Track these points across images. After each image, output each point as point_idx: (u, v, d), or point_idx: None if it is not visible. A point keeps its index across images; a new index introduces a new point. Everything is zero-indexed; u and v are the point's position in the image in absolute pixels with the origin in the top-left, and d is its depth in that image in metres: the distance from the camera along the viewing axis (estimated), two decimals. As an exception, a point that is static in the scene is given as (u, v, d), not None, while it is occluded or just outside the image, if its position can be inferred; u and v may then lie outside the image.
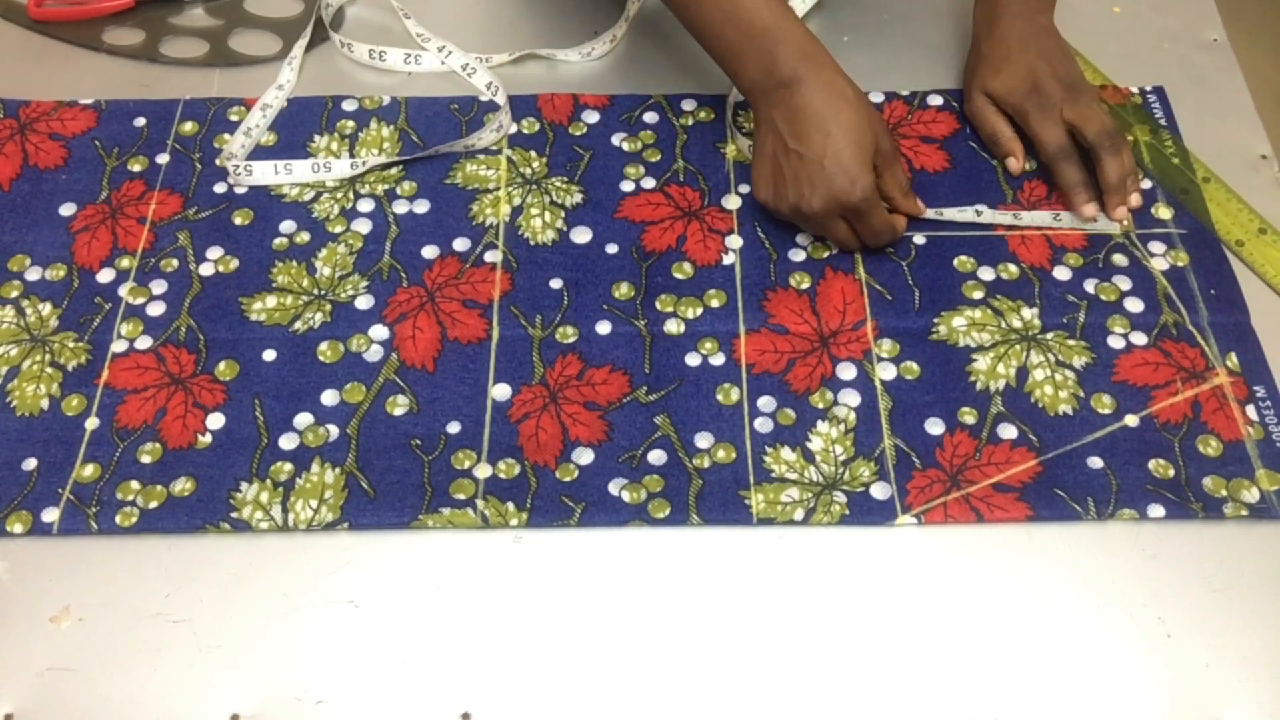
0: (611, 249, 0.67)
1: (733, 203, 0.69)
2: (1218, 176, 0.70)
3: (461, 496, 0.57)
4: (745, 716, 0.52)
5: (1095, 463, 0.58)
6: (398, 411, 0.60)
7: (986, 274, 0.66)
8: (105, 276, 0.66)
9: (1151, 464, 0.58)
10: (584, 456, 0.59)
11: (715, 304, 0.64)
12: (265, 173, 0.70)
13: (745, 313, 0.64)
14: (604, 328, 0.64)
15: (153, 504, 0.57)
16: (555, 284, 0.65)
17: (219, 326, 0.64)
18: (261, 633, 0.54)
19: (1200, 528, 0.57)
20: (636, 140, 0.72)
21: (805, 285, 0.65)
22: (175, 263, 0.66)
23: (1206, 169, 0.71)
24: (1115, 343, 0.63)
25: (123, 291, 0.65)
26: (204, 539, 0.57)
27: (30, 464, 0.59)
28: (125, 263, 0.66)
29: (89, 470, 0.58)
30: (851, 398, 0.61)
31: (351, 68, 0.77)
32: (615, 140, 0.72)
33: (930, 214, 0.68)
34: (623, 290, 0.65)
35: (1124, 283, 0.65)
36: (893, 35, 0.79)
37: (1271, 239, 0.67)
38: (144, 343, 0.63)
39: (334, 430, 0.60)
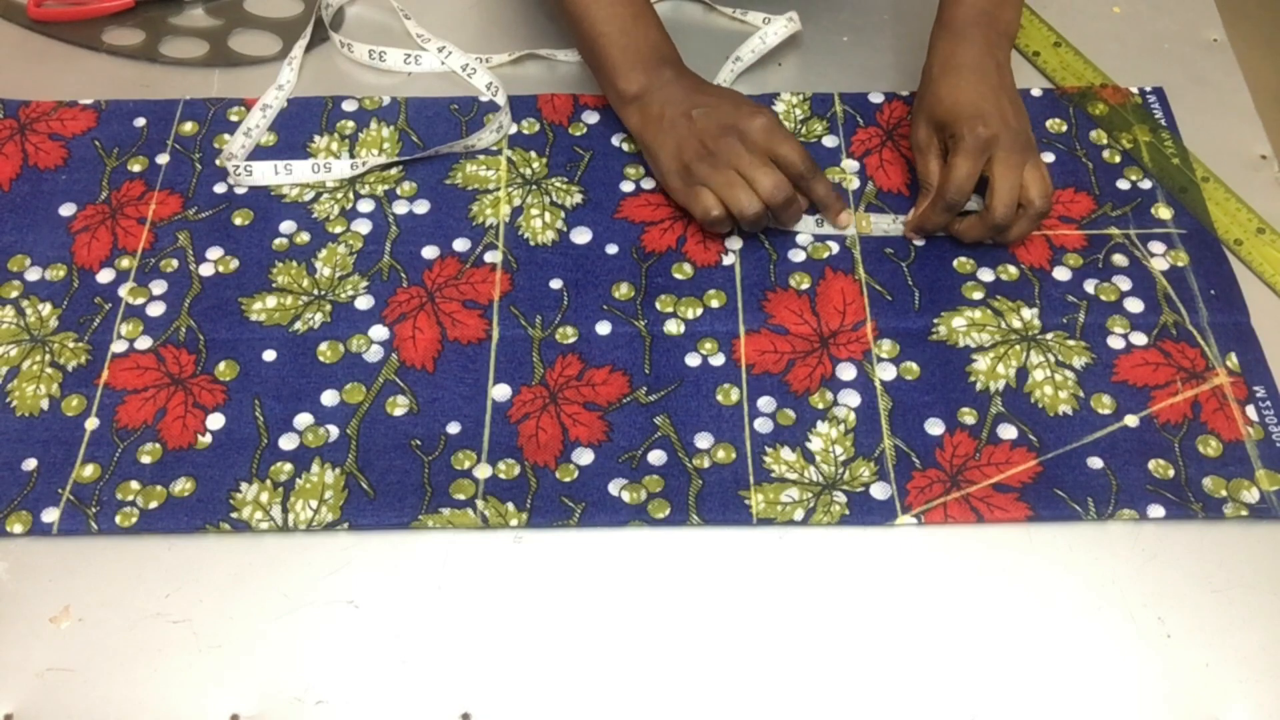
0: (611, 249, 0.67)
1: (733, 203, 0.69)
2: (1217, 176, 0.70)
3: (461, 497, 0.57)
4: (745, 716, 0.52)
5: (1095, 463, 0.58)
6: (398, 412, 0.60)
7: (986, 275, 0.66)
8: (105, 277, 0.66)
9: (1151, 464, 0.58)
10: (584, 457, 0.59)
11: (715, 304, 0.64)
12: (265, 173, 0.70)
13: (745, 313, 0.64)
14: (604, 328, 0.64)
15: (153, 504, 0.57)
16: (555, 284, 0.65)
17: (219, 327, 0.64)
18: (261, 633, 0.54)
19: (1200, 528, 0.57)
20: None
21: (805, 286, 0.65)
22: (175, 263, 0.66)
23: (1206, 169, 0.71)
24: (1115, 343, 0.63)
25: (123, 292, 0.65)
26: (204, 539, 0.57)
27: (30, 464, 0.59)
28: (125, 263, 0.66)
29: (89, 470, 0.58)
30: (851, 398, 0.61)
31: (351, 68, 0.77)
32: (615, 140, 0.72)
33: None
34: (623, 291, 0.65)
35: (1124, 283, 0.65)
36: (893, 35, 0.79)
37: (1270, 239, 0.67)
38: (144, 343, 0.63)
39: (334, 430, 0.60)
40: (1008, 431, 0.60)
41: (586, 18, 0.68)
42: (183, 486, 0.58)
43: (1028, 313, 0.64)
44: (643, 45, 0.68)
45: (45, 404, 0.61)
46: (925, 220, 0.66)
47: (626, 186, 0.70)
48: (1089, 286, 0.65)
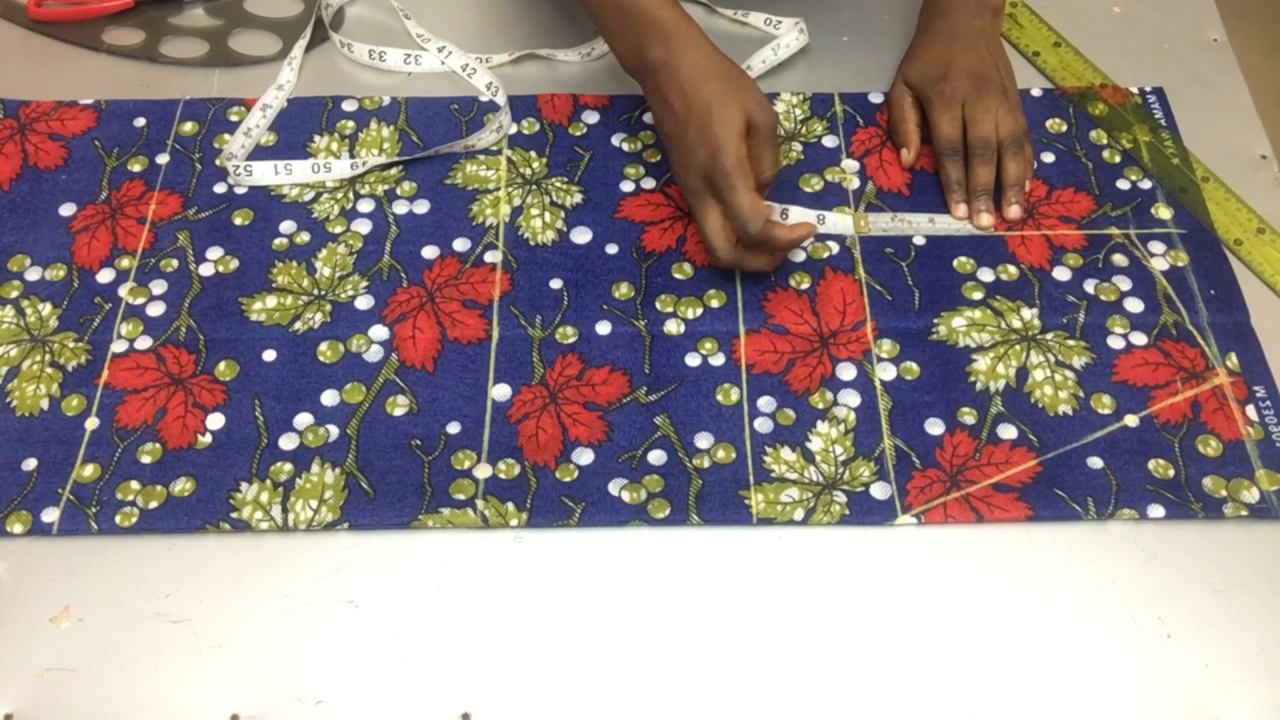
0: (611, 249, 0.67)
1: (733, 203, 0.69)
2: (1217, 176, 0.70)
3: (461, 496, 0.57)
4: (745, 716, 0.52)
5: (1095, 463, 0.58)
6: (398, 412, 0.60)
7: (986, 275, 0.66)
8: (105, 276, 0.66)
9: (1151, 464, 0.58)
10: (584, 456, 0.59)
11: (715, 304, 0.64)
12: (265, 173, 0.70)
13: (745, 313, 0.64)
14: (604, 328, 0.64)
15: (153, 504, 0.57)
16: (555, 284, 0.65)
17: (219, 326, 0.64)
18: (261, 633, 0.54)
19: (1200, 528, 0.57)
20: (636, 140, 0.72)
21: (805, 285, 0.65)
22: (175, 263, 0.66)
23: (1206, 169, 0.71)
24: (1115, 343, 0.63)
25: (123, 291, 0.65)
26: (204, 539, 0.57)
27: (30, 464, 0.59)
28: (125, 263, 0.66)
29: (89, 470, 0.58)
30: (851, 398, 0.61)
31: (351, 68, 0.77)
32: (615, 140, 0.72)
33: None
34: (623, 290, 0.65)
35: (1124, 283, 0.65)
36: (893, 35, 0.79)
37: (1270, 238, 0.67)
38: (144, 343, 0.63)
39: (334, 430, 0.60)
40: (1008, 431, 0.60)
41: None
42: (183, 486, 0.58)
43: (1028, 313, 0.64)
44: (661, 13, 0.64)
45: (45, 404, 0.61)
46: (944, 181, 0.69)
47: (626, 186, 0.70)
48: (1089, 286, 0.65)
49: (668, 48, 0.63)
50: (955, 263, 0.66)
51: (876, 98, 0.74)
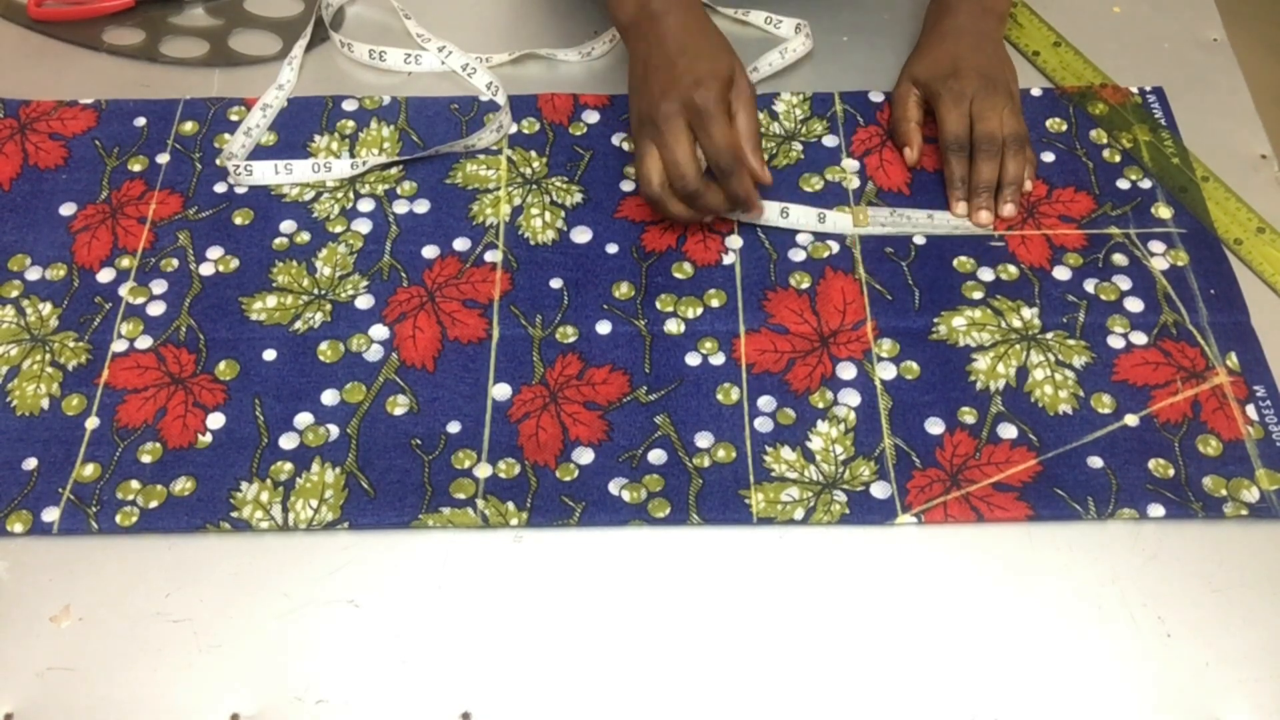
0: (612, 249, 0.67)
1: (733, 202, 0.69)
2: (1216, 176, 0.70)
3: (461, 496, 0.57)
4: (745, 716, 0.52)
5: (1095, 462, 0.58)
6: (398, 411, 0.60)
7: (986, 274, 0.66)
8: (105, 276, 0.66)
9: (1151, 464, 0.58)
10: (584, 456, 0.59)
11: (715, 304, 0.64)
12: (265, 173, 0.70)
13: (745, 312, 0.64)
14: (604, 327, 0.64)
15: (153, 504, 0.57)
16: (555, 284, 0.65)
17: (219, 326, 0.64)
18: (261, 633, 0.54)
19: (1200, 528, 0.57)
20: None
21: (805, 285, 0.65)
22: (175, 262, 0.66)
23: (1206, 168, 0.71)
24: (1115, 342, 0.63)
25: (123, 291, 0.65)
26: (204, 539, 0.57)
27: (30, 464, 0.59)
28: (125, 262, 0.66)
29: (89, 470, 0.58)
30: (851, 397, 0.61)
31: (351, 68, 0.77)
32: (615, 140, 0.72)
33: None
34: (623, 290, 0.65)
35: (1124, 282, 0.65)
36: (893, 35, 0.79)
37: (1270, 238, 0.67)
38: (144, 342, 0.63)
39: (334, 430, 0.60)
40: (1008, 431, 0.60)
41: None
42: (183, 486, 0.58)
43: (1028, 312, 0.64)
44: None
45: (45, 403, 0.61)
46: (947, 177, 0.69)
47: (626, 186, 0.70)
48: (1089, 286, 0.65)
49: (668, 3, 0.66)
50: (955, 262, 0.66)
51: (877, 97, 0.74)
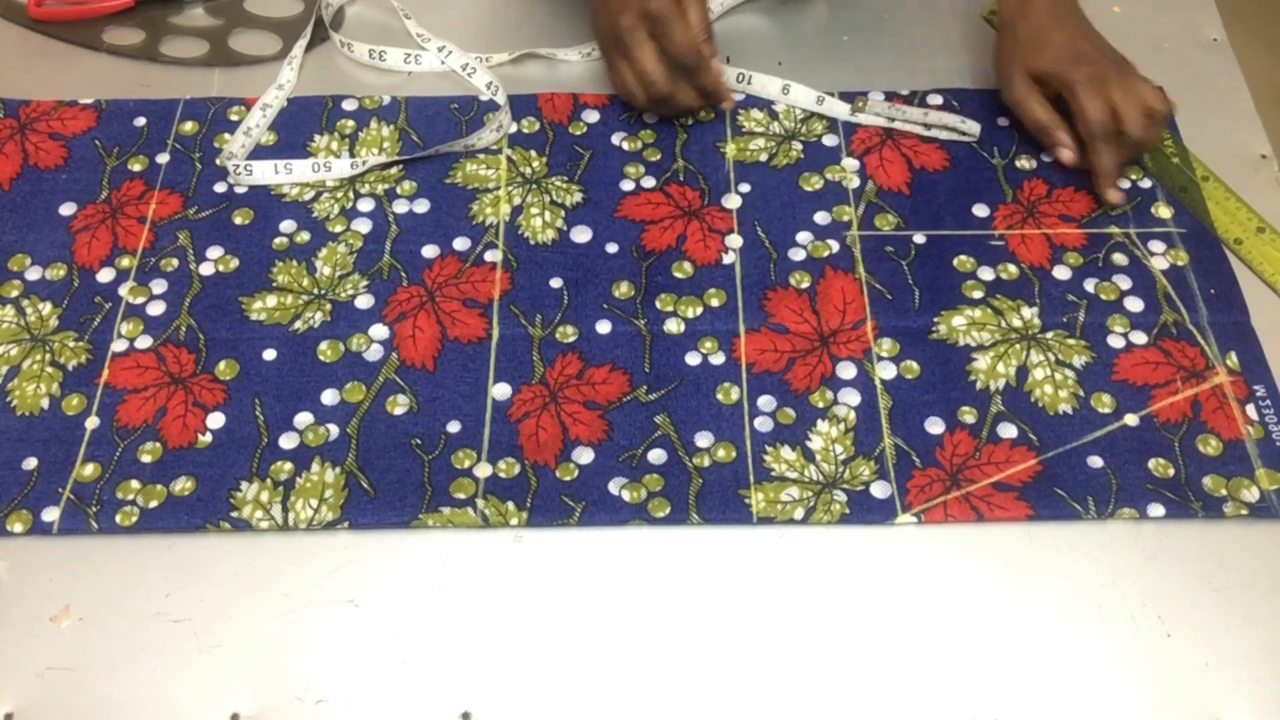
0: (611, 248, 0.67)
1: (733, 202, 0.69)
2: (1216, 175, 0.70)
3: (461, 496, 0.57)
4: (745, 716, 0.52)
5: (1095, 462, 0.58)
6: (398, 411, 0.60)
7: (986, 274, 0.66)
8: (105, 276, 0.66)
9: (1151, 463, 0.58)
10: (584, 456, 0.59)
11: (715, 303, 0.64)
12: (265, 172, 0.70)
13: (745, 312, 0.64)
14: (604, 327, 0.64)
15: (153, 503, 0.57)
16: (555, 283, 0.65)
17: (219, 326, 0.64)
18: (261, 633, 0.54)
19: (1200, 527, 0.57)
20: (636, 140, 0.72)
21: (805, 284, 0.65)
22: (175, 262, 0.66)
23: (1205, 168, 0.71)
24: (1115, 342, 0.63)
25: (123, 291, 0.65)
26: (204, 539, 0.57)
27: (30, 463, 0.59)
28: (125, 262, 0.66)
29: (89, 470, 0.58)
30: (851, 397, 0.61)
31: (351, 68, 0.77)
32: (615, 140, 0.72)
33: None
34: (623, 290, 0.65)
35: (1124, 282, 0.65)
36: (893, 35, 0.79)
37: (1270, 238, 0.67)
38: (144, 342, 0.63)
39: (334, 430, 0.60)
40: (1008, 430, 0.60)
41: None
42: (183, 486, 0.58)
43: (1028, 311, 0.64)
44: None
45: (45, 403, 0.61)
46: (1101, 168, 0.67)
47: (626, 185, 0.70)
48: (1089, 285, 0.65)
49: None
50: (955, 261, 0.66)
51: (876, 96, 0.74)
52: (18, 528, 0.57)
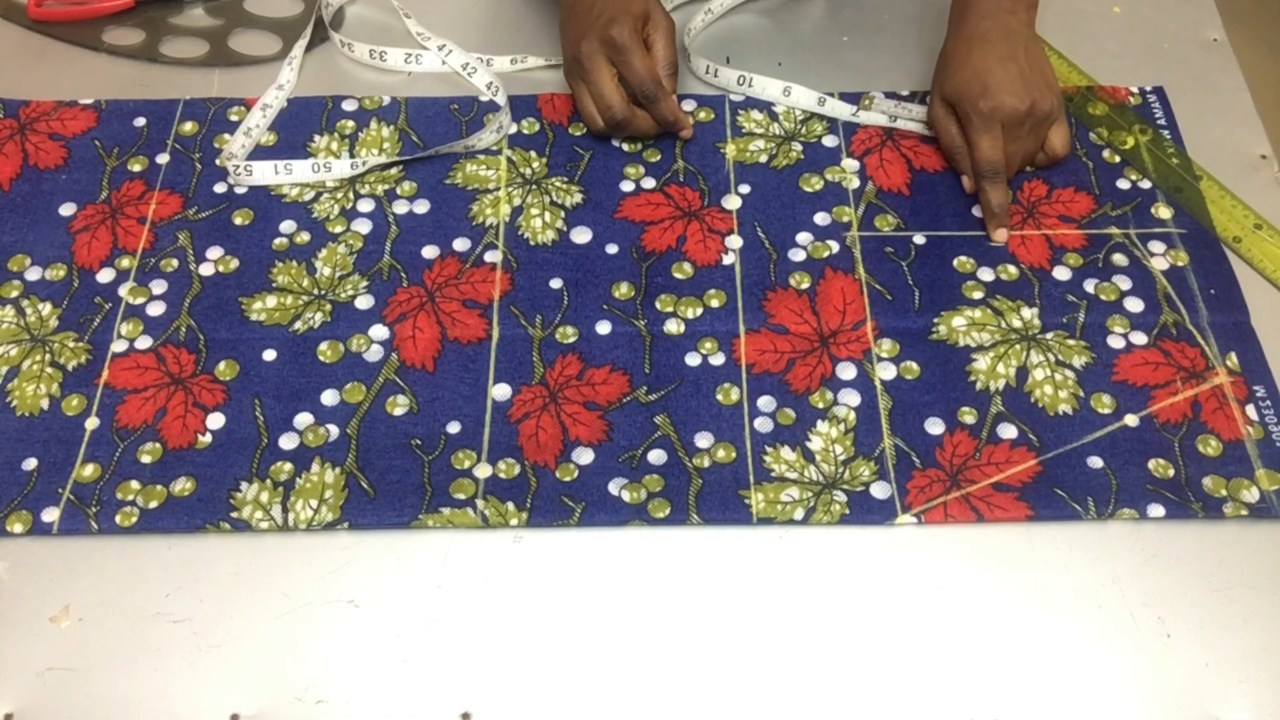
0: (611, 249, 0.67)
1: (732, 203, 0.69)
2: (1211, 175, 0.70)
3: (461, 496, 0.57)
4: (745, 716, 0.52)
5: (1095, 462, 0.58)
6: (398, 411, 0.60)
7: (986, 274, 0.66)
8: (105, 276, 0.66)
9: (1151, 464, 0.58)
10: (584, 456, 0.59)
11: (715, 304, 0.64)
12: (265, 173, 0.70)
13: (745, 313, 0.64)
14: (604, 328, 0.64)
15: (153, 504, 0.57)
16: (555, 284, 0.65)
17: (219, 326, 0.64)
18: (261, 633, 0.54)
19: (1200, 528, 0.57)
20: (636, 140, 0.72)
21: (805, 285, 0.65)
22: (175, 263, 0.66)
23: (1200, 168, 0.71)
24: (1115, 342, 0.63)
25: (123, 291, 0.65)
26: (204, 539, 0.57)
27: (30, 464, 0.59)
28: (125, 263, 0.66)
29: (89, 470, 0.58)
30: (851, 397, 0.61)
31: (352, 68, 0.77)
32: (615, 140, 0.72)
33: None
34: (623, 290, 0.65)
35: (1124, 282, 0.65)
36: (893, 35, 0.79)
37: (1268, 234, 0.67)
38: (144, 343, 0.63)
39: (334, 430, 0.60)
40: (1008, 431, 0.60)
41: None
42: (183, 486, 0.58)
43: (1028, 312, 0.64)
44: None
45: (45, 404, 0.61)
46: (985, 205, 0.67)
47: (626, 186, 0.70)
48: (1089, 286, 0.65)
49: None
50: (955, 262, 0.66)
51: (880, 95, 0.74)
52: (18, 528, 0.57)
